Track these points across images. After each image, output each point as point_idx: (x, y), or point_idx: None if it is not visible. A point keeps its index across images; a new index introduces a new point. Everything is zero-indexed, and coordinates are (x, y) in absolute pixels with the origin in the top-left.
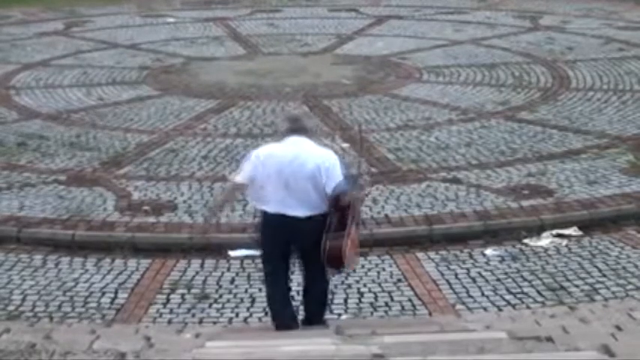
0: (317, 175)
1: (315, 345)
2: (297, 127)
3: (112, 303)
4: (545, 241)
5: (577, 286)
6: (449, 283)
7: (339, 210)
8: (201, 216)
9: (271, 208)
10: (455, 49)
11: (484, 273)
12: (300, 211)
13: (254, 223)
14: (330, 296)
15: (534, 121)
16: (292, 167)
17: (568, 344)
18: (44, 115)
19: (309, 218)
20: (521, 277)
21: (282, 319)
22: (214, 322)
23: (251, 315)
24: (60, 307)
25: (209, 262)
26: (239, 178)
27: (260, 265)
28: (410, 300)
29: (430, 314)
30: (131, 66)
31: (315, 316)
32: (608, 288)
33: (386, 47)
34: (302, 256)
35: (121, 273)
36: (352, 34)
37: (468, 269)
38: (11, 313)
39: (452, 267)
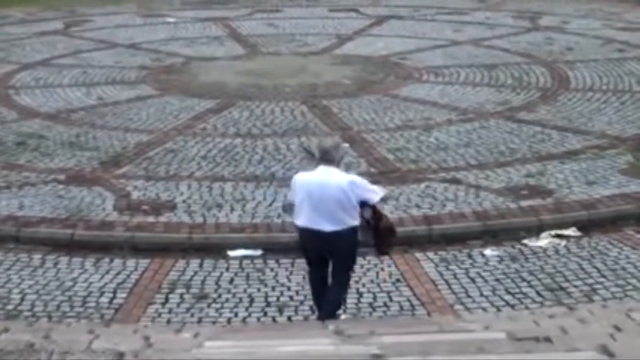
0: (342, 197)
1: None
2: (325, 158)
3: (110, 303)
4: (544, 241)
5: (576, 286)
6: (448, 284)
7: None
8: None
9: (302, 223)
10: (454, 50)
11: (483, 273)
12: (326, 226)
13: (252, 223)
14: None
15: (534, 122)
16: (320, 192)
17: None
18: (43, 114)
19: (333, 232)
20: (520, 277)
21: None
22: (213, 322)
23: (250, 315)
24: (59, 306)
25: (208, 262)
26: (289, 197)
27: (259, 266)
28: (409, 300)
29: (429, 314)
30: (131, 66)
31: (325, 315)
32: (607, 288)
33: (386, 47)
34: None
35: (119, 273)
36: (352, 34)
37: (466, 269)
38: (10, 312)
39: (451, 267)
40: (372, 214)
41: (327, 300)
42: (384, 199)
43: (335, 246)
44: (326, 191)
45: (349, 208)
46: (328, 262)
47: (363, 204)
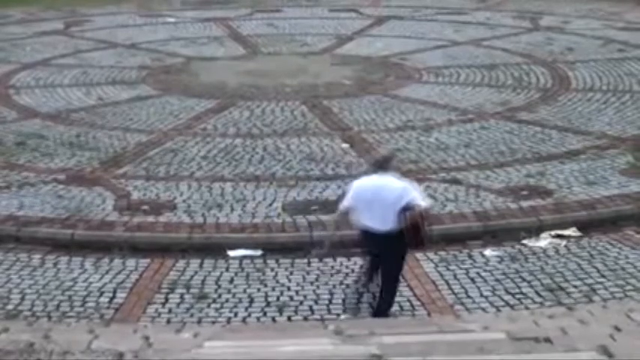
0: (394, 201)
1: (313, 345)
2: (382, 167)
3: (110, 302)
4: (544, 241)
5: (576, 286)
6: (448, 284)
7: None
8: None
9: (362, 224)
10: (455, 50)
11: (483, 273)
12: (380, 227)
13: (252, 223)
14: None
15: (534, 122)
16: (375, 196)
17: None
18: (44, 114)
19: (386, 232)
20: (520, 277)
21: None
22: (213, 322)
23: (249, 315)
24: (58, 306)
25: (208, 262)
26: (343, 203)
27: (258, 266)
28: (409, 300)
29: (429, 315)
30: (131, 66)
31: (378, 308)
32: (606, 289)
33: (386, 48)
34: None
35: (119, 272)
36: (352, 34)
37: (466, 270)
38: (10, 312)
39: (451, 267)
40: (410, 219)
41: (378, 304)
42: (428, 208)
43: (385, 246)
44: (381, 195)
45: (400, 212)
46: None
47: (406, 208)
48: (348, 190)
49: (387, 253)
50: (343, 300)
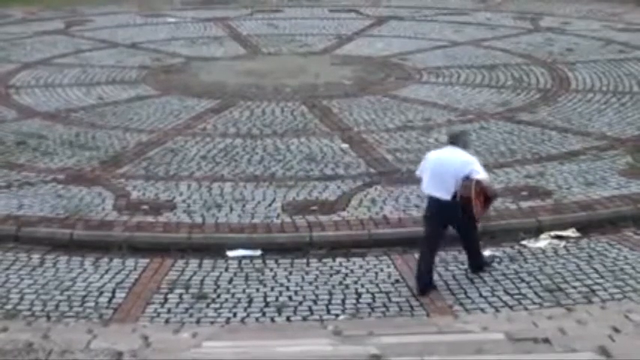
0: (454, 172)
1: (312, 345)
2: (451, 141)
3: (109, 302)
4: (543, 242)
5: (574, 287)
6: (446, 284)
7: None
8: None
9: (426, 190)
10: (455, 50)
11: (482, 274)
12: (442, 195)
13: (252, 223)
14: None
15: (534, 123)
16: (440, 166)
17: (565, 346)
18: (44, 114)
19: (447, 200)
20: (519, 278)
21: (418, 282)
22: (212, 322)
23: (248, 315)
24: (57, 306)
25: (207, 262)
26: (417, 171)
27: (258, 266)
28: (407, 301)
29: (428, 315)
30: (131, 65)
31: (472, 261)
32: (605, 289)
33: (386, 48)
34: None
35: (118, 272)
36: (352, 34)
37: (466, 270)
38: (9, 311)
39: (450, 268)
40: (465, 188)
41: (469, 259)
42: (486, 181)
43: (450, 214)
44: (446, 165)
45: (461, 181)
46: (441, 235)
47: (466, 178)
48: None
49: (457, 220)
50: (342, 300)
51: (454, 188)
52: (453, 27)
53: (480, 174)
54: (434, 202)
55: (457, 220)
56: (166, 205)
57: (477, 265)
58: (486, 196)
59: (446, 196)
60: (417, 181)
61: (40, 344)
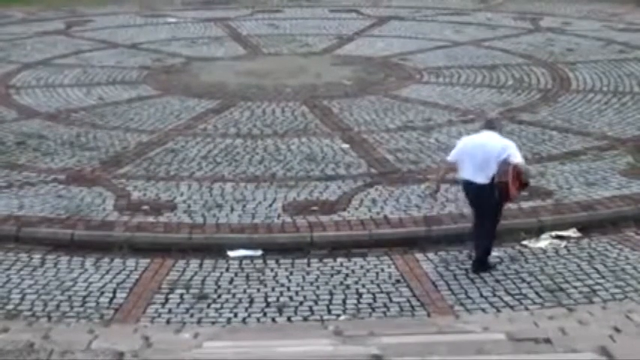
0: (496, 156)
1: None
2: (488, 125)
3: (110, 302)
4: (544, 242)
5: (575, 287)
6: (447, 284)
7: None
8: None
9: (465, 176)
10: (455, 51)
11: (483, 274)
12: (480, 179)
13: (252, 223)
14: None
15: (534, 123)
16: (480, 150)
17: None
18: (44, 114)
19: (485, 184)
20: (520, 278)
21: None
22: (213, 322)
23: (249, 315)
24: (58, 306)
25: (208, 262)
26: (449, 157)
27: (258, 266)
28: (408, 301)
29: (429, 315)
30: (131, 66)
31: (475, 259)
32: (606, 290)
33: (386, 48)
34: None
35: (119, 272)
36: (353, 34)
37: (466, 270)
38: (10, 312)
39: (450, 268)
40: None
41: (477, 246)
42: (523, 166)
43: (483, 197)
44: (484, 149)
45: (499, 164)
46: (487, 214)
47: (504, 162)
48: (457, 144)
49: (485, 205)
50: (343, 300)
51: (493, 172)
52: (453, 27)
53: (517, 158)
54: (470, 186)
55: (490, 205)
56: (167, 206)
57: (482, 262)
58: (521, 181)
59: (485, 180)
60: (418, 180)
61: (40, 344)
